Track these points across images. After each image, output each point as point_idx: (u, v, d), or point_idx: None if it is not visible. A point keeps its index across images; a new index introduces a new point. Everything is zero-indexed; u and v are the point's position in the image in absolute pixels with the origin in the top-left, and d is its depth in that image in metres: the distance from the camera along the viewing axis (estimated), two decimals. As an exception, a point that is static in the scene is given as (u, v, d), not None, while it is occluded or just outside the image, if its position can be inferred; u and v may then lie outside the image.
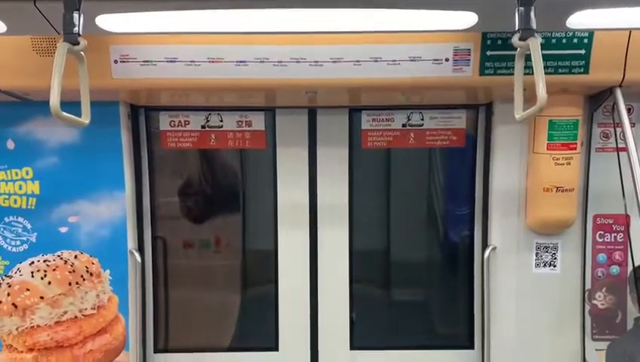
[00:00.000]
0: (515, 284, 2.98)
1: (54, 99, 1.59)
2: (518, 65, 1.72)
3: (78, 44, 1.66)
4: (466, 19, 1.90)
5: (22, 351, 3.02)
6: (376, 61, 2.41)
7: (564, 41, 2.43)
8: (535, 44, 1.61)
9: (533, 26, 1.62)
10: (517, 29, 1.65)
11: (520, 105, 1.72)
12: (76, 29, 1.64)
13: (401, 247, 3.37)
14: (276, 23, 1.95)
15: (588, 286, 2.97)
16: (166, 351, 3.20)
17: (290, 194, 3.11)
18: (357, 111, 3.06)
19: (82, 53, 1.71)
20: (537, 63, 1.58)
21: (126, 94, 2.76)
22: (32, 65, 2.38)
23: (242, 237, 3.30)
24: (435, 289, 3.40)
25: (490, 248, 2.95)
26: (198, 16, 1.88)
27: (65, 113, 1.65)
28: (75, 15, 1.64)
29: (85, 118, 1.81)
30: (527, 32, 1.63)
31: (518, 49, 1.69)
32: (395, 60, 2.41)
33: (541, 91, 1.56)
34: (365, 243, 3.25)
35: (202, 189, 3.29)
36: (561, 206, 2.80)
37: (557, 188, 2.76)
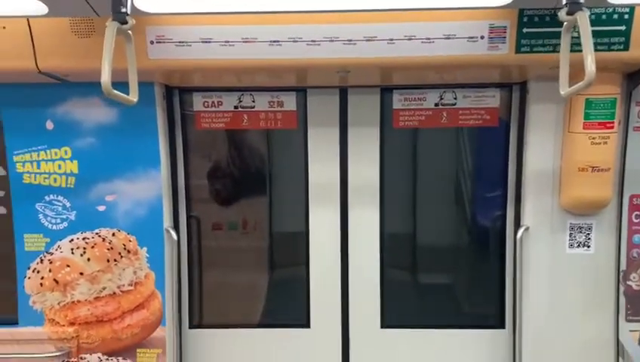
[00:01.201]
0: (547, 265, 2.96)
1: (106, 77, 1.62)
2: (565, 40, 1.68)
3: (126, 22, 1.68)
4: None
5: (63, 325, 3.17)
6: (410, 39, 2.39)
7: (603, 17, 2.36)
8: (583, 18, 1.57)
9: None
10: (564, 3, 1.60)
11: (566, 82, 1.69)
12: (124, 8, 1.65)
13: (432, 227, 3.36)
14: (310, 1, 1.94)
15: (623, 267, 2.93)
16: (200, 326, 3.28)
17: (322, 174, 3.12)
18: (388, 91, 3.05)
19: (130, 32, 1.73)
20: (586, 38, 1.55)
21: (161, 75, 2.80)
22: (71, 46, 2.43)
23: (271, 218, 3.34)
24: (466, 269, 3.39)
25: (523, 228, 2.93)
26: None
27: (116, 91, 1.68)
28: None
29: (133, 97, 1.85)
30: (574, 6, 1.59)
31: (565, 24, 1.65)
32: (429, 38, 2.39)
33: (590, 66, 1.53)
34: (396, 223, 3.26)
35: (232, 172, 3.33)
36: (597, 186, 2.76)
37: (592, 167, 2.71)
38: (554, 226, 2.94)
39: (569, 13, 1.60)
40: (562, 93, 1.68)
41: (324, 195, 3.14)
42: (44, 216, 2.99)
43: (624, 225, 2.91)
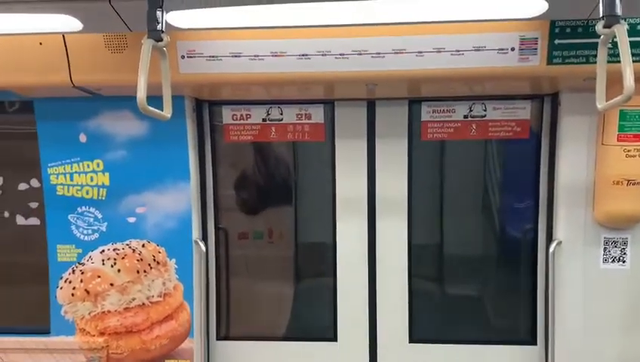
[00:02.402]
0: (581, 280, 2.89)
1: (141, 94, 1.64)
2: (601, 53, 1.65)
3: (161, 40, 1.71)
4: (535, 7, 1.85)
5: (94, 335, 3.21)
6: (439, 52, 2.38)
7: (638, 27, 2.32)
8: (622, 31, 1.54)
9: (619, 12, 1.55)
10: (601, 15, 1.57)
11: (602, 95, 1.65)
12: (159, 25, 1.68)
13: (461, 240, 3.32)
14: (338, 16, 1.95)
15: (660, 283, 2.85)
16: (227, 338, 3.29)
17: (349, 186, 3.11)
18: (416, 103, 3.03)
19: (165, 49, 1.76)
20: (624, 51, 1.51)
21: (191, 89, 2.84)
22: (105, 61, 2.49)
23: (297, 229, 3.33)
24: (496, 283, 3.33)
25: (555, 242, 2.87)
26: (262, 10, 1.91)
27: (150, 107, 1.70)
28: (159, 13, 1.69)
29: (167, 112, 1.87)
30: (612, 19, 1.55)
31: (602, 37, 1.62)
32: (458, 50, 2.37)
33: (628, 80, 1.49)
34: (424, 236, 3.23)
35: (260, 184, 3.35)
36: (632, 199, 2.69)
37: (628, 181, 2.65)
38: (587, 240, 2.87)
39: (606, 26, 1.57)
40: (599, 107, 1.64)
41: (351, 207, 3.13)
42: (76, 227, 3.04)
43: None
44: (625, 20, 2.27)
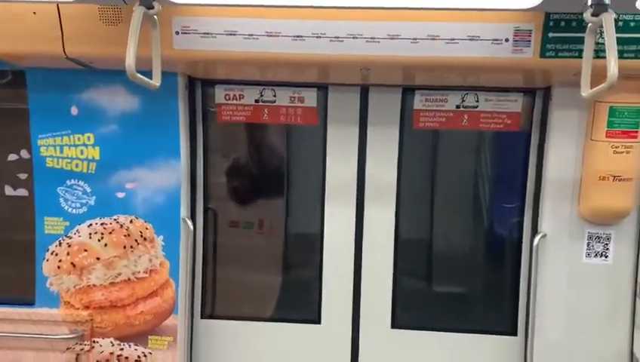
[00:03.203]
0: (563, 273, 2.92)
1: (130, 60, 1.64)
2: (589, 41, 1.66)
3: (152, 7, 1.71)
4: None
5: (78, 308, 3.22)
6: (434, 39, 2.38)
7: (631, 24, 2.33)
8: (608, 19, 1.56)
9: (607, 0, 1.56)
10: (590, 4, 1.59)
11: (587, 83, 1.67)
12: None
13: (448, 230, 3.35)
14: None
15: (641, 279, 2.89)
16: (212, 317, 3.31)
17: (339, 172, 3.13)
18: (410, 91, 3.04)
19: (155, 17, 1.75)
20: (610, 40, 1.53)
21: (185, 66, 2.83)
22: (99, 33, 2.47)
23: (287, 215, 3.35)
24: (480, 274, 3.37)
25: (540, 235, 2.90)
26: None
27: (139, 75, 1.70)
28: None
29: (156, 81, 1.87)
30: (600, 7, 1.57)
31: (589, 25, 1.63)
32: (453, 39, 2.38)
33: (612, 68, 1.51)
34: (411, 224, 3.25)
35: (253, 171, 3.36)
36: (618, 196, 2.72)
37: (614, 177, 2.68)
38: (572, 235, 2.90)
39: (594, 15, 1.58)
40: (584, 94, 1.66)
41: (340, 193, 3.14)
42: (65, 200, 3.04)
43: None
44: (618, 16, 2.31)
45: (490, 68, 2.49)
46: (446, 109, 3.03)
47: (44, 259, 3.06)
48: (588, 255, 2.90)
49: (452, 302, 3.32)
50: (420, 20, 2.35)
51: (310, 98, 3.10)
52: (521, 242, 3.12)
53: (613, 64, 1.51)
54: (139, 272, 3.04)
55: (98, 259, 3.01)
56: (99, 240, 3.02)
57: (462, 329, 3.20)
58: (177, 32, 2.48)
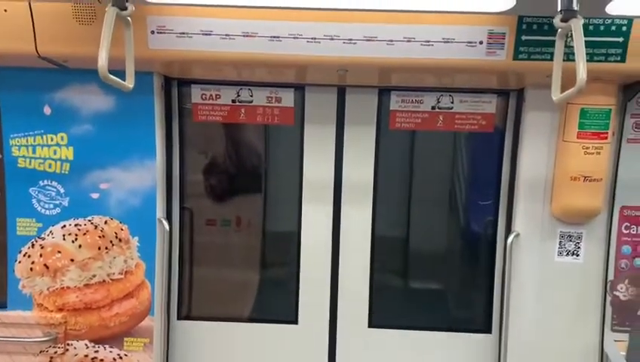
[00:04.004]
0: (536, 272, 2.98)
1: (102, 62, 1.63)
2: (558, 46, 1.70)
3: (126, 9, 1.69)
4: (504, 1, 1.88)
5: (51, 311, 3.17)
6: (410, 41, 2.40)
7: (602, 28, 2.38)
8: (577, 25, 1.59)
9: (576, 7, 1.60)
10: (559, 9, 1.62)
11: (558, 87, 1.71)
12: None
13: (424, 230, 3.38)
14: None
15: (611, 277, 2.95)
16: (189, 318, 3.29)
17: (316, 172, 3.13)
18: (386, 92, 3.06)
19: (129, 18, 1.74)
20: (578, 45, 1.57)
21: (160, 65, 2.80)
22: (72, 32, 2.43)
23: (263, 217, 3.35)
24: (456, 273, 3.41)
25: (513, 234, 2.95)
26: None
27: (112, 76, 1.69)
28: None
29: (129, 83, 1.85)
30: (569, 13, 1.61)
31: (559, 30, 1.67)
32: (428, 41, 2.40)
33: (581, 73, 1.55)
34: (388, 224, 3.27)
35: (228, 168, 3.34)
36: (588, 195, 2.78)
37: (585, 177, 2.73)
38: (544, 234, 2.95)
39: (564, 20, 1.62)
40: (554, 98, 1.70)
41: (317, 193, 3.15)
42: (38, 201, 2.99)
43: (613, 236, 2.93)
44: (588, 20, 2.37)
45: (465, 69, 2.53)
46: (422, 110, 3.06)
47: (16, 260, 3.00)
48: (560, 253, 2.96)
49: (429, 301, 3.36)
50: (396, 23, 2.37)
51: (287, 98, 3.10)
52: (496, 241, 3.16)
53: (582, 69, 1.55)
54: (114, 274, 3.01)
55: (72, 260, 2.97)
56: (73, 242, 2.98)
57: (438, 327, 3.24)
58: (153, 32, 2.46)
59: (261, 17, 2.41)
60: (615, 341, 2.95)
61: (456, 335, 3.23)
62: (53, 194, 2.98)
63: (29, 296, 3.01)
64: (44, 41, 2.49)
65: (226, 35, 2.44)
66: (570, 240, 2.95)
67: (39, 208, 2.99)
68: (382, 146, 3.13)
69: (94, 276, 3.00)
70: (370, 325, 3.23)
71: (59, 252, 2.97)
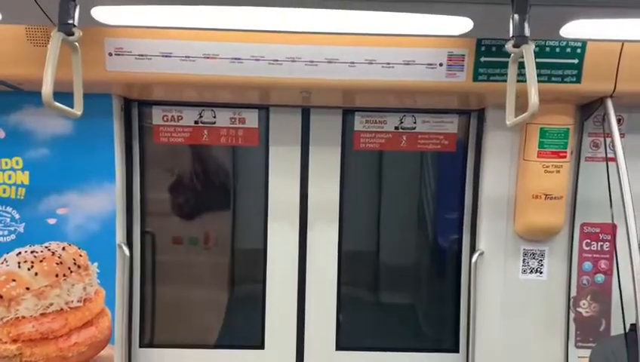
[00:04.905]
0: (501, 289, 2.99)
1: (47, 89, 1.58)
2: (511, 71, 1.74)
3: (72, 34, 1.66)
4: (462, 25, 1.91)
5: (5, 342, 3.03)
6: (371, 63, 2.42)
7: (557, 50, 2.45)
8: (528, 51, 1.63)
9: (527, 33, 1.64)
10: (511, 35, 1.66)
11: (512, 112, 1.74)
12: (71, 19, 1.63)
13: (390, 250, 3.38)
14: (271, 22, 1.95)
15: (573, 293, 2.99)
16: (151, 346, 3.19)
17: (282, 192, 3.11)
18: (350, 113, 3.07)
19: (77, 44, 1.71)
20: (530, 70, 1.60)
21: (120, 87, 2.75)
22: (26, 54, 2.37)
23: (231, 235, 3.30)
24: (422, 293, 3.41)
25: (477, 253, 2.97)
26: (194, 11, 1.88)
27: (57, 103, 1.64)
28: (71, 5, 1.64)
29: (77, 110, 1.81)
30: (520, 39, 1.64)
31: (512, 55, 1.71)
32: (389, 63, 2.42)
33: (533, 98, 1.58)
34: (354, 244, 3.26)
35: (193, 186, 3.29)
36: (550, 213, 2.82)
37: (546, 195, 2.78)
38: (508, 252, 2.98)
39: (515, 46, 1.66)
40: (508, 123, 1.74)
41: (283, 213, 3.12)
42: (-9, 227, 2.88)
43: (575, 253, 2.98)
44: (544, 42, 2.42)
45: (426, 91, 2.55)
46: (385, 130, 3.08)
47: (-33, 290, 2.88)
48: (524, 271, 2.99)
49: (396, 321, 3.34)
50: (358, 45, 2.39)
51: (251, 119, 3.07)
52: (462, 260, 3.18)
53: (533, 94, 1.58)
54: (72, 302, 2.89)
55: (28, 288, 2.85)
56: (29, 269, 2.86)
57: (405, 348, 3.22)
58: (110, 54, 2.42)
59: (222, 39, 2.39)
60: (579, 357, 2.99)
61: (425, 355, 3.21)
62: (8, 220, 2.88)
63: (-19, 327, 2.88)
64: None
65: (187, 56, 2.41)
66: (534, 258, 2.98)
67: None
68: (347, 166, 3.12)
69: (51, 304, 2.88)
70: (338, 347, 3.19)
71: (13, 280, 2.85)
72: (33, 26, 2.33)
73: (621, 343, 2.59)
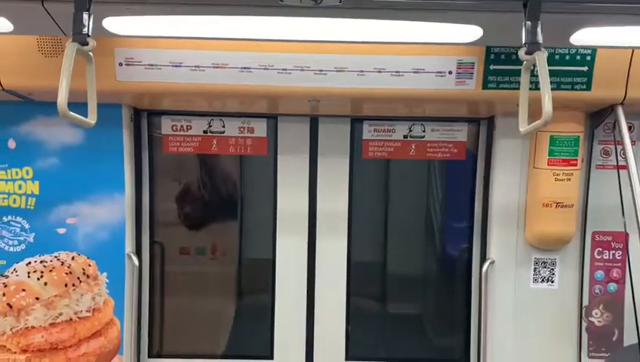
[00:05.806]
0: (512, 299, 2.97)
1: (62, 99, 1.59)
2: (524, 78, 1.73)
3: (87, 44, 1.67)
4: (471, 32, 1.91)
5: (15, 352, 3.00)
6: (380, 72, 2.42)
7: (567, 57, 2.44)
8: (542, 58, 1.62)
9: (540, 40, 1.63)
10: (524, 42, 1.65)
11: (525, 119, 1.73)
12: (85, 29, 1.64)
13: (399, 259, 3.36)
14: (280, 31, 1.96)
15: (585, 302, 2.96)
16: (160, 356, 3.19)
17: (290, 202, 3.10)
18: (358, 121, 3.07)
19: (90, 53, 1.72)
20: (543, 77, 1.59)
21: (129, 97, 2.77)
22: (37, 65, 2.39)
23: (239, 245, 3.29)
24: (432, 303, 3.38)
25: (488, 262, 2.95)
26: (204, 21, 1.89)
27: (72, 113, 1.65)
28: (85, 15, 1.65)
29: (91, 119, 1.82)
30: (533, 46, 1.64)
31: (524, 62, 1.70)
32: (398, 72, 2.42)
33: (547, 105, 1.57)
34: (363, 253, 3.24)
35: (202, 196, 3.29)
36: (561, 221, 2.80)
37: (557, 203, 2.76)
38: (519, 261, 2.96)
39: (528, 53, 1.65)
40: (521, 130, 1.72)
41: (292, 223, 3.11)
42: (1, 237, 2.89)
43: (587, 262, 2.95)
44: (554, 50, 2.41)
45: (435, 99, 2.55)
46: (394, 139, 3.07)
47: (-23, 300, 2.88)
48: (535, 280, 2.96)
49: (406, 331, 3.32)
50: (367, 53, 2.39)
51: (260, 128, 3.08)
52: (472, 268, 3.16)
53: (547, 101, 1.57)
54: (81, 311, 2.86)
55: (37, 298, 2.83)
56: (38, 279, 2.83)
57: (415, 358, 3.20)
58: (121, 64, 2.43)
59: (231, 48, 2.40)
60: (592, 367, 2.95)
61: None
62: (18, 230, 2.89)
63: (-10, 337, 2.88)
64: (8, 74, 2.44)
65: (196, 66, 2.42)
66: (545, 267, 2.95)
67: (3, 245, 2.89)
68: (356, 175, 3.11)
69: (61, 314, 2.85)
70: (348, 358, 3.17)
71: (23, 290, 2.82)
72: (44, 36, 2.35)
73: (635, 353, 2.56)
